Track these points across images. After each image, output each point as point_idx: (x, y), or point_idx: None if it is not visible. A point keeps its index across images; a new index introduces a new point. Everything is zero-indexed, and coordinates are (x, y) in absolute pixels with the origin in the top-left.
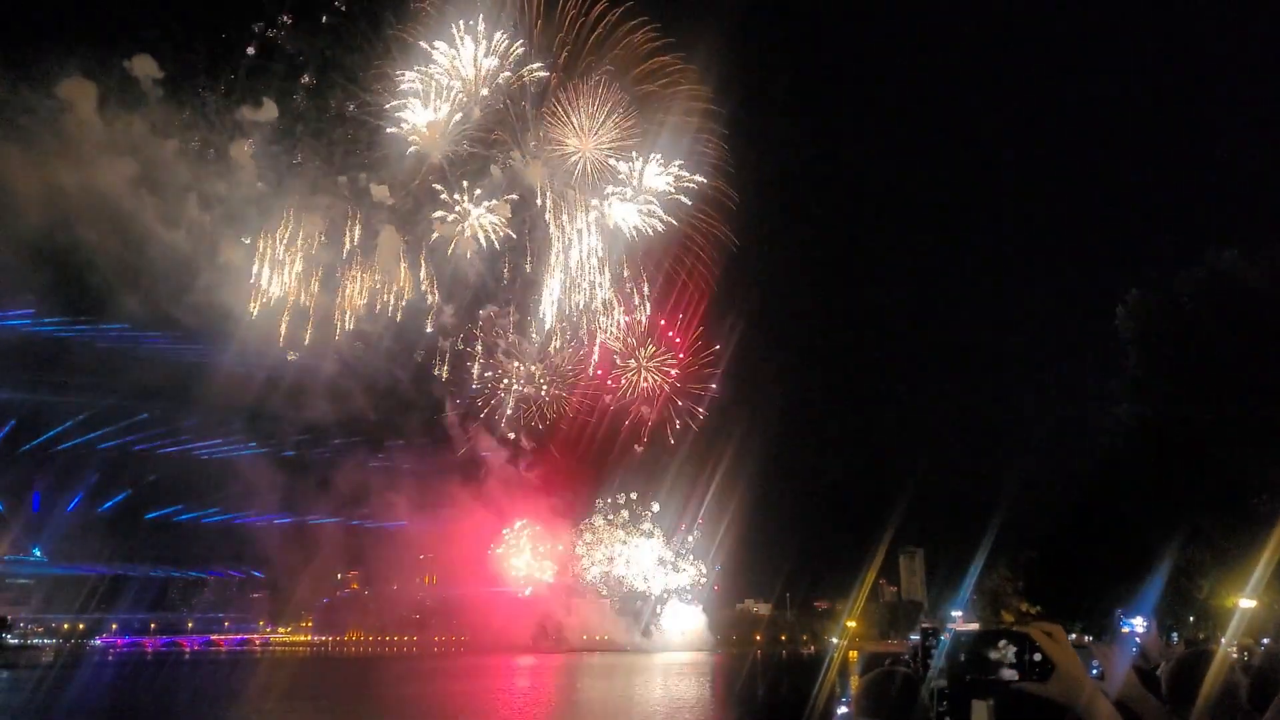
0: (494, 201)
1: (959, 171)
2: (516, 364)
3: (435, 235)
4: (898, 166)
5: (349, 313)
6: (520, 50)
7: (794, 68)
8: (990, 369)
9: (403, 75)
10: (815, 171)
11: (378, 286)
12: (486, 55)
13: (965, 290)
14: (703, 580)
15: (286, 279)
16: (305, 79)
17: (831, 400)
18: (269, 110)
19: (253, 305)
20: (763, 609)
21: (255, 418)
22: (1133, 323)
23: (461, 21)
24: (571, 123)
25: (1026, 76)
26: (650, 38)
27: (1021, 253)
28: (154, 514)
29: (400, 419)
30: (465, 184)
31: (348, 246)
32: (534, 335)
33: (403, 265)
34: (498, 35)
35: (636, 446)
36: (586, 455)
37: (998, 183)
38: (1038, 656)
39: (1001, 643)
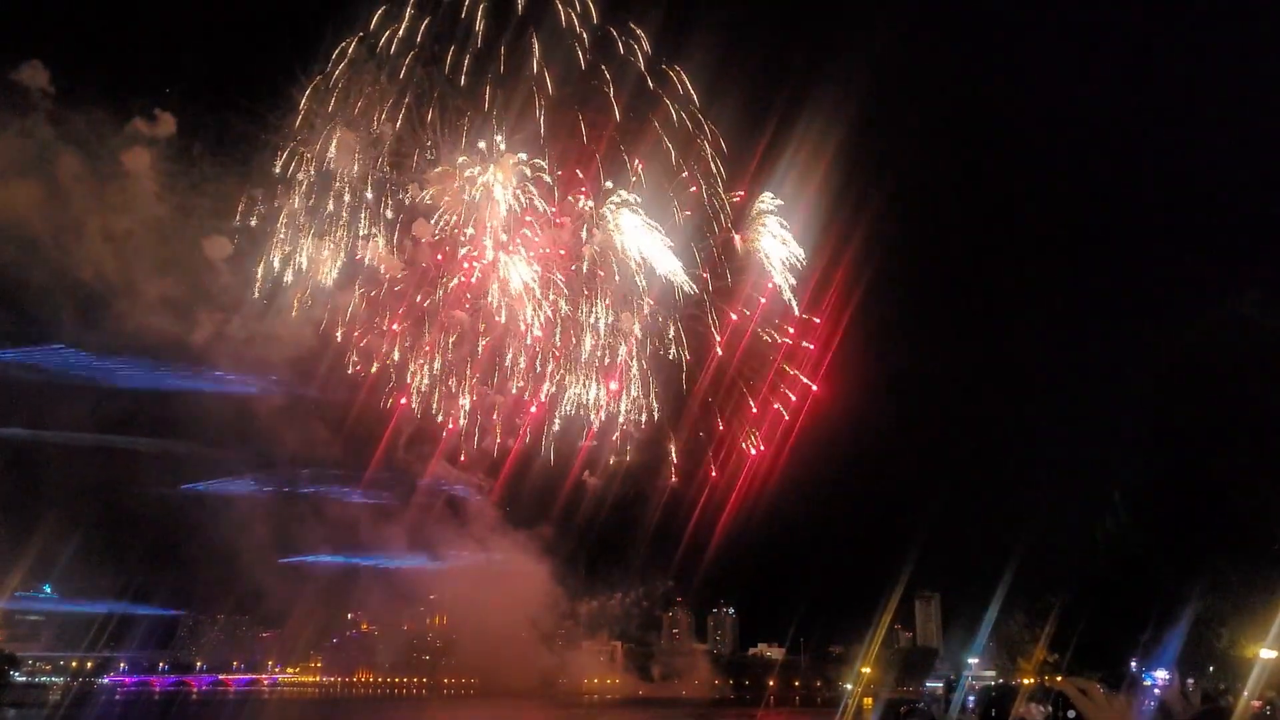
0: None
1: (973, 209)
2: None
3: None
4: (911, 212)
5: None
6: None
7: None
8: (1008, 413)
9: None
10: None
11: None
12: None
13: (983, 335)
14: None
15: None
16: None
17: (847, 442)
18: (166, 125)
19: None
20: (775, 653)
21: (258, 455)
22: (1155, 368)
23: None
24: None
25: (1040, 121)
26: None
27: (1040, 296)
28: (171, 554)
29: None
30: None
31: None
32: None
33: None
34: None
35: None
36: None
37: (1015, 223)
38: (1071, 714)
39: (1034, 697)
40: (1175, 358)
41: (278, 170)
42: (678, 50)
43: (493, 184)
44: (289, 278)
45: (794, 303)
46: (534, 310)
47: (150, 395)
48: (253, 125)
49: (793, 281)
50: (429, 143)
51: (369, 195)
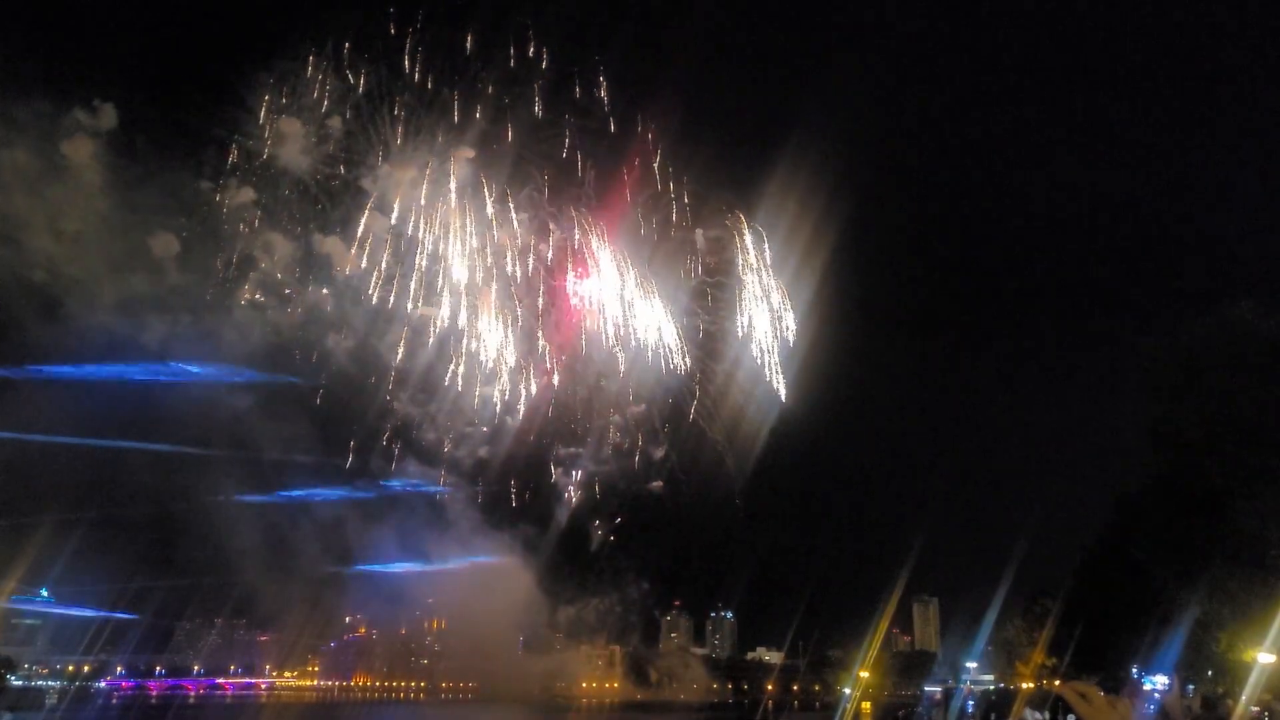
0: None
1: (971, 216)
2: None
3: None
4: (908, 224)
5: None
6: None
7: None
8: (1005, 419)
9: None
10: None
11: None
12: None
13: (981, 340)
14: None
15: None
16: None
17: (847, 449)
18: (108, 117)
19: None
20: (774, 657)
21: (242, 456)
22: (1149, 373)
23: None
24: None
25: (1038, 129)
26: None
27: (1038, 302)
28: (167, 558)
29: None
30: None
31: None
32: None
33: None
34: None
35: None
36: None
37: (1016, 231)
38: (1071, 718)
39: (1033, 702)
40: (1172, 362)
41: (228, 165)
42: (637, 93)
43: (452, 239)
44: (250, 275)
45: (782, 389)
46: (509, 376)
47: (134, 401)
48: (201, 119)
49: (777, 360)
50: (381, 142)
51: (320, 192)
